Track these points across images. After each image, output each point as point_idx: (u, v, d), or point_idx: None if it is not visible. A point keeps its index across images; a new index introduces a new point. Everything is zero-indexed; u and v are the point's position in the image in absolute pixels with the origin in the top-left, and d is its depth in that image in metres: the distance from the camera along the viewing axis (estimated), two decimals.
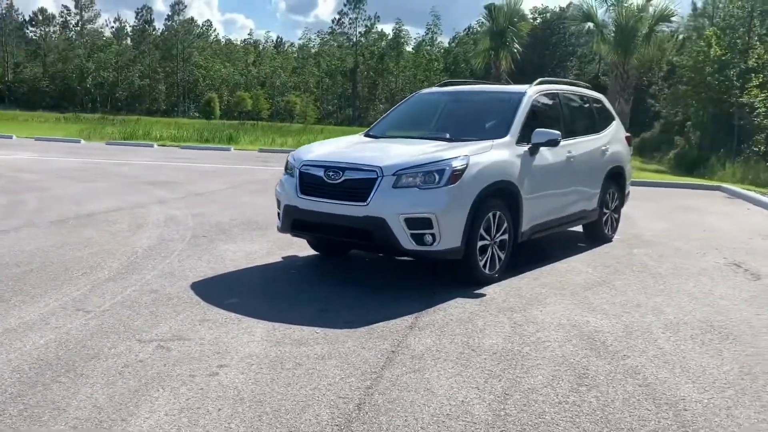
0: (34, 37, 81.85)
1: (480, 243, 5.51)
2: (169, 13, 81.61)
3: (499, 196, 5.74)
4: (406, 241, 5.16)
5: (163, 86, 78.25)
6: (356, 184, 5.31)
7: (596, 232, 7.75)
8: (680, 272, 6.40)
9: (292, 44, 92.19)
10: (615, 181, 7.91)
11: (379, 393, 3.44)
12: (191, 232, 7.58)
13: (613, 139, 7.86)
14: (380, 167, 5.28)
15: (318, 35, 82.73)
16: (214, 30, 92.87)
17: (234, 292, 5.22)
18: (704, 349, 4.24)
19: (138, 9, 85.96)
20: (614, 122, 8.14)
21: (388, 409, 3.26)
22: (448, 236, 5.22)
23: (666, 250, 7.52)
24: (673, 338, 4.44)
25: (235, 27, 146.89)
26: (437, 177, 5.21)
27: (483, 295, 5.35)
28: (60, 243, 6.70)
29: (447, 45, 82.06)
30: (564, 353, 4.09)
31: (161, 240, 7.08)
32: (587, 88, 8.21)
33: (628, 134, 8.47)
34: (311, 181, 5.60)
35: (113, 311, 4.62)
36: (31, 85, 76.51)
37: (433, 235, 5.16)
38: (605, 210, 7.74)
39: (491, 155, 5.67)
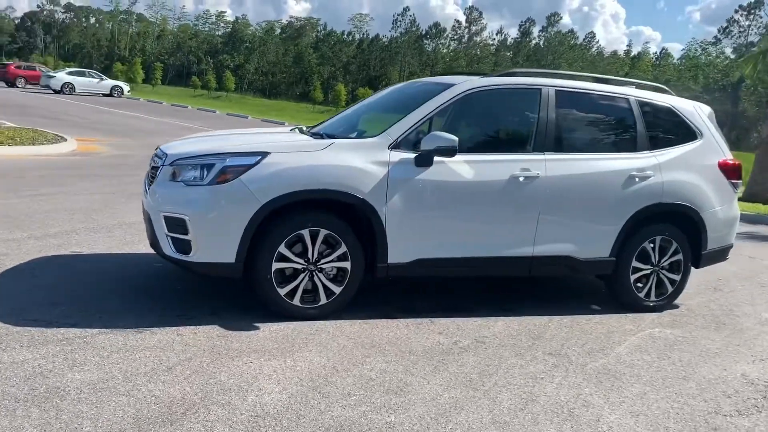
0: (427, 49, 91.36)
1: (280, 265, 4.36)
2: (544, 25, 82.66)
3: (330, 210, 4.46)
4: (166, 245, 4.38)
5: None
6: (153, 173, 4.71)
7: (619, 293, 5.41)
8: (630, 371, 4.08)
9: (683, 56, 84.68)
10: (673, 225, 5.40)
11: None
12: None
13: (676, 163, 5.36)
14: (166, 155, 4.59)
15: (700, 45, 74.14)
16: (597, 41, 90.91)
17: (36, 272, 5.07)
18: None
19: (522, 21, 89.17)
20: (696, 141, 5.54)
21: None
22: (211, 248, 4.26)
23: (717, 338, 4.86)
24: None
25: (639, 39, 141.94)
26: (205, 172, 4.29)
27: (254, 329, 4.23)
28: (85, 209, 7.39)
29: None
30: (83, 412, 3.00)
31: None
32: (657, 89, 5.77)
33: (730, 160, 5.65)
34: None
35: None
36: None
37: (189, 242, 4.27)
38: (642, 265, 5.34)
39: (315, 156, 4.42)
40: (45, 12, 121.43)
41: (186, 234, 4.25)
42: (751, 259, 8.23)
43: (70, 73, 38.33)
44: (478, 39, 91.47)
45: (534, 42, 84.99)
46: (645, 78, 70.40)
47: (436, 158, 4.60)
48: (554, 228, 4.99)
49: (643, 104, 5.45)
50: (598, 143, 5.32)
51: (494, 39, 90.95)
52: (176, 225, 4.28)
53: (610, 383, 3.88)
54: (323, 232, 4.40)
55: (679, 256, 5.45)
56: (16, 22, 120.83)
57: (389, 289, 5.36)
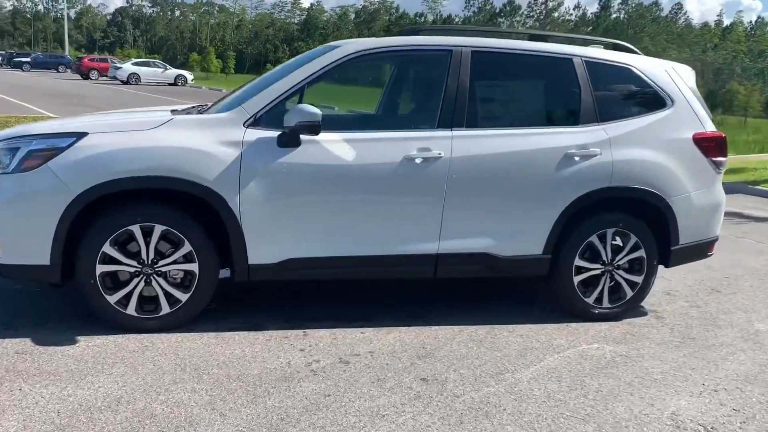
0: (503, 27, 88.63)
1: (107, 268, 3.67)
2: None
3: (169, 201, 3.73)
4: None
5: None
6: None
7: (560, 298, 4.42)
8: (514, 406, 3.15)
9: None
10: (632, 214, 4.34)
11: None
12: None
13: (633, 137, 4.28)
14: None
15: None
16: (684, 13, 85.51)
17: None
18: None
19: None
20: (664, 110, 4.42)
21: None
22: (19, 248, 3.61)
23: (670, 359, 3.81)
24: None
25: (736, 9, 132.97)
26: (10, 158, 3.63)
27: (68, 344, 3.57)
28: None
29: None
30: None
31: None
32: (617, 47, 4.69)
33: (710, 132, 4.50)
34: None
35: None
36: None
37: None
38: (588, 264, 4.32)
39: (145, 137, 3.66)
40: (134, 7, 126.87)
41: None
42: None
43: (136, 64, 39.39)
44: (556, 14, 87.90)
45: (614, 16, 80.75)
46: (737, 50, 65.49)
47: (305, 137, 3.77)
48: (466, 220, 4.06)
49: (591, 66, 4.38)
50: (528, 116, 4.34)
51: (572, 15, 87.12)
52: None
53: (474, 424, 2.97)
54: (159, 227, 3.68)
55: (641, 253, 4.37)
56: (108, 18, 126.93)
57: (290, 291, 4.60)
